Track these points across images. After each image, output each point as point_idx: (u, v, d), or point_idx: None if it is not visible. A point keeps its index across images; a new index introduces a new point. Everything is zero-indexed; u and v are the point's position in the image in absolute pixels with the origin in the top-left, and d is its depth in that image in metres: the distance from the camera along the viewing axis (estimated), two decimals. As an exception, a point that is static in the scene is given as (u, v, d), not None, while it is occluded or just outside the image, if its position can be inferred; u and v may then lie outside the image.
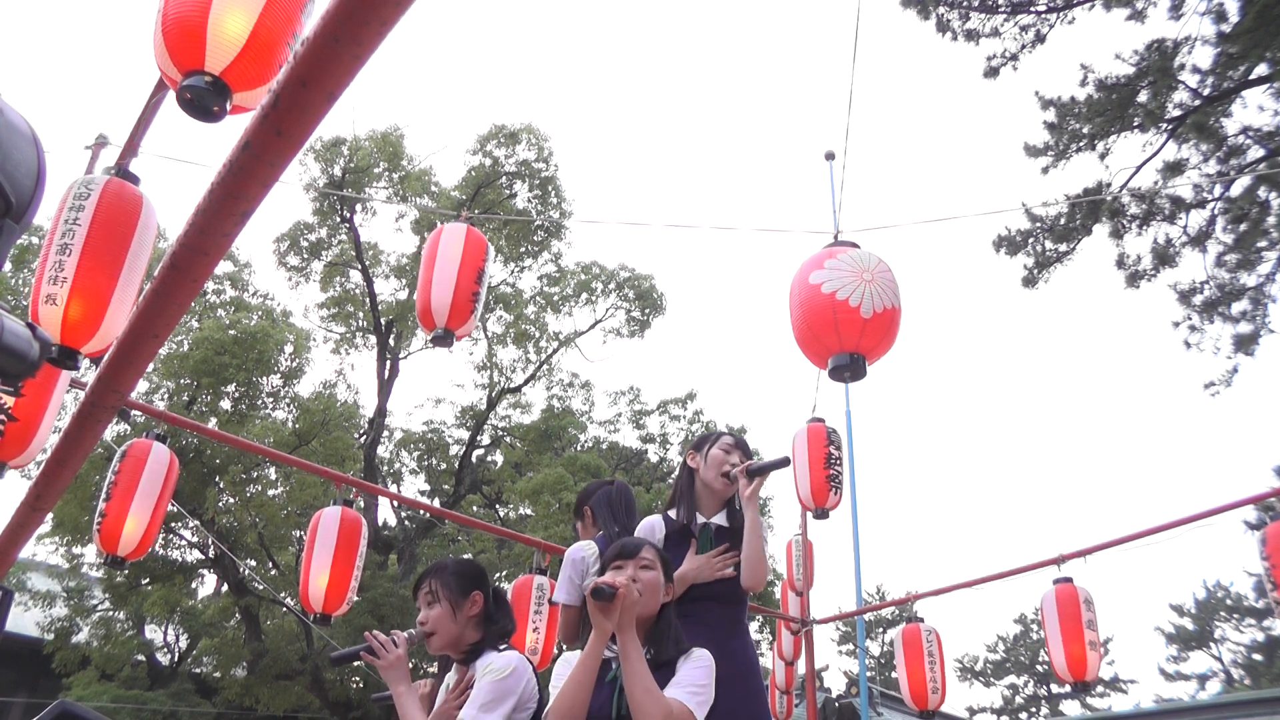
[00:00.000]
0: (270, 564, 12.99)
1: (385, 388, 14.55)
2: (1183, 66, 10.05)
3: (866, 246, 3.15)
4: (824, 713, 10.05)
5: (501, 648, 2.44)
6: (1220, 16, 9.73)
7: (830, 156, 7.46)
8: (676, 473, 3.22)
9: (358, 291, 14.82)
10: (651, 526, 2.99)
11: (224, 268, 13.36)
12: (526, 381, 15.74)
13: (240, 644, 12.38)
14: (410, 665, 2.67)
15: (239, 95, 1.89)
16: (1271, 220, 10.08)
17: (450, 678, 2.54)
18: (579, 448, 15.43)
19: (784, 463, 2.89)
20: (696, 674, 2.19)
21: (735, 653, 2.74)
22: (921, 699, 5.20)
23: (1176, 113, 10.23)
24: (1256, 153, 10.23)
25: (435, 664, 2.83)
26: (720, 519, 2.96)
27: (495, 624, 2.51)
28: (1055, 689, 33.20)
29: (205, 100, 1.84)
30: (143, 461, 3.81)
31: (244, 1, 1.82)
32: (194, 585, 13.25)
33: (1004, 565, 5.21)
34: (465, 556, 13.83)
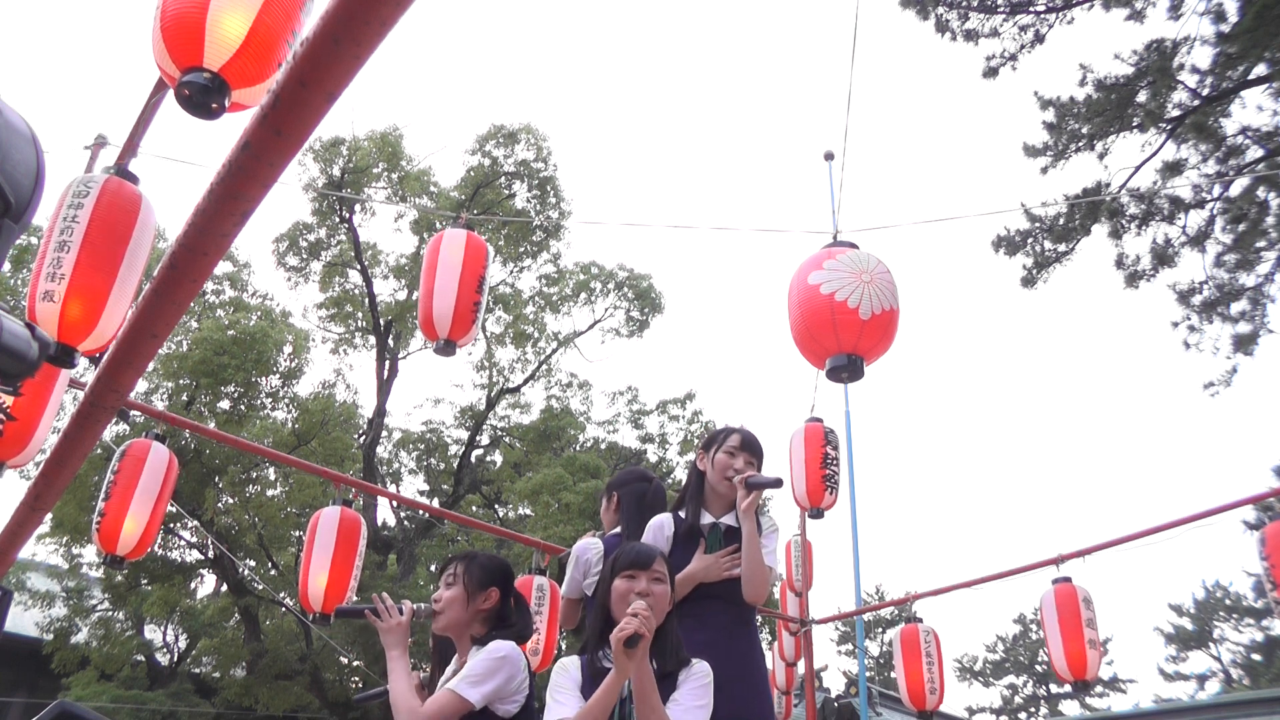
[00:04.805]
0: (269, 564, 12.99)
1: (384, 388, 14.55)
2: (1182, 66, 10.05)
3: (865, 247, 3.15)
4: (823, 713, 10.05)
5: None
6: (1219, 16, 9.73)
7: (829, 157, 7.43)
8: (688, 473, 3.21)
9: (357, 292, 14.81)
10: (660, 525, 2.97)
11: (223, 268, 13.35)
12: (525, 381, 15.75)
13: (239, 644, 12.39)
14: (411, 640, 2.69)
15: (238, 92, 1.88)
16: (1270, 220, 10.08)
17: (451, 669, 2.55)
18: (578, 448, 15.41)
19: (777, 483, 2.90)
20: (698, 691, 2.21)
21: (737, 654, 2.75)
22: (919, 699, 5.20)
23: (1176, 113, 10.23)
24: (1255, 153, 10.23)
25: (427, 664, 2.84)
26: (729, 519, 2.94)
27: (504, 625, 2.53)
28: (1054, 689, 33.22)
29: (203, 97, 1.84)
30: (142, 461, 3.80)
31: (243, -1, 1.82)
32: (193, 585, 13.27)
33: (1003, 565, 5.22)
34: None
